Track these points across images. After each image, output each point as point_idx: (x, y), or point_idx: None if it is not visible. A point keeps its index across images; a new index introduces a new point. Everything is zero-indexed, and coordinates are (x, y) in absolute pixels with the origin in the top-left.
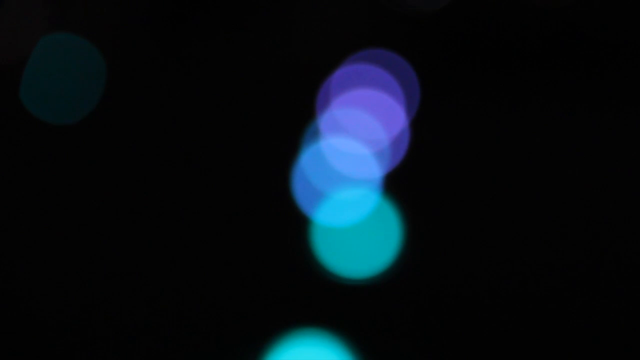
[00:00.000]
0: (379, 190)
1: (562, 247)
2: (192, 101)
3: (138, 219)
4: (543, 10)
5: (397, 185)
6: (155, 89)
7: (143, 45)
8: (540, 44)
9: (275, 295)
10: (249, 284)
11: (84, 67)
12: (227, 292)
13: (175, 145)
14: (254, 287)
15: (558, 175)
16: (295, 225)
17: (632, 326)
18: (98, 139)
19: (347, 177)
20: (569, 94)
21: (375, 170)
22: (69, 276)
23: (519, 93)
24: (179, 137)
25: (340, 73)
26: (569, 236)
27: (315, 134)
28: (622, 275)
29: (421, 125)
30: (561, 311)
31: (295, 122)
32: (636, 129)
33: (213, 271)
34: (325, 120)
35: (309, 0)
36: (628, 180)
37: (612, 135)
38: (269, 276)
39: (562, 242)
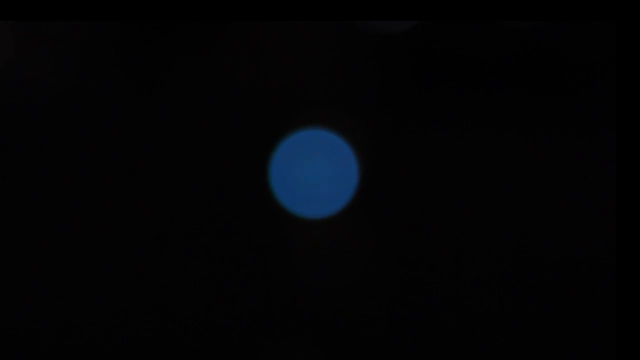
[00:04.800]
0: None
1: (528, 274)
2: (161, 126)
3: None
4: (514, 31)
5: (365, 206)
6: (123, 115)
7: (109, 72)
8: (511, 65)
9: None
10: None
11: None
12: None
13: (142, 168)
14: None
15: (531, 199)
16: (259, 246)
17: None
18: (64, 161)
19: (315, 198)
20: (541, 116)
21: (343, 191)
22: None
23: (490, 114)
24: (147, 161)
25: (308, 93)
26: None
27: (283, 155)
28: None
29: (390, 145)
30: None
31: (261, 144)
32: (607, 150)
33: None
34: (291, 140)
35: (277, 23)
36: (600, 204)
37: (584, 158)
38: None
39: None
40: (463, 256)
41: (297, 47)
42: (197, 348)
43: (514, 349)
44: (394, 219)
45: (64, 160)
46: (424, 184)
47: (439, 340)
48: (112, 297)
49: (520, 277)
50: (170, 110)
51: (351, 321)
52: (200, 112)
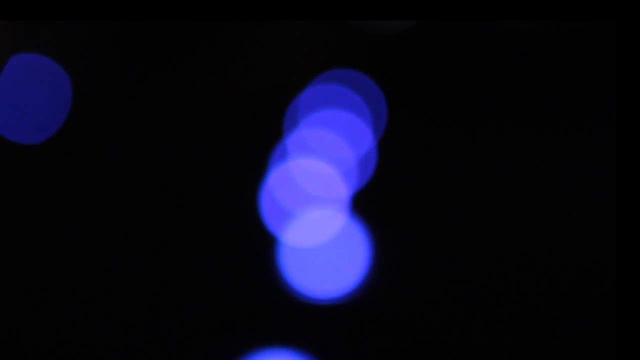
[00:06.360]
0: (347, 211)
1: (529, 271)
2: (161, 123)
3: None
4: (511, 32)
5: (364, 205)
6: (121, 113)
7: (110, 70)
8: (508, 65)
9: (243, 316)
10: (216, 305)
11: (51, 88)
12: (194, 313)
13: (138, 166)
14: (222, 307)
15: (528, 196)
16: (262, 245)
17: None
18: (61, 160)
19: (315, 198)
20: (537, 115)
21: (342, 191)
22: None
23: (487, 113)
24: (144, 158)
25: (308, 94)
26: (540, 260)
27: (283, 155)
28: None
29: (388, 145)
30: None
31: (262, 144)
32: (607, 150)
33: (178, 292)
34: (292, 141)
35: (274, 23)
36: (599, 203)
37: (579, 157)
38: (236, 296)
39: (530, 267)
40: (462, 255)
41: (296, 47)
42: (195, 348)
43: (514, 349)
44: (394, 218)
45: (64, 159)
46: (424, 183)
47: (439, 340)
48: (109, 296)
49: (520, 277)
50: (169, 109)
51: (349, 321)
52: (199, 112)
